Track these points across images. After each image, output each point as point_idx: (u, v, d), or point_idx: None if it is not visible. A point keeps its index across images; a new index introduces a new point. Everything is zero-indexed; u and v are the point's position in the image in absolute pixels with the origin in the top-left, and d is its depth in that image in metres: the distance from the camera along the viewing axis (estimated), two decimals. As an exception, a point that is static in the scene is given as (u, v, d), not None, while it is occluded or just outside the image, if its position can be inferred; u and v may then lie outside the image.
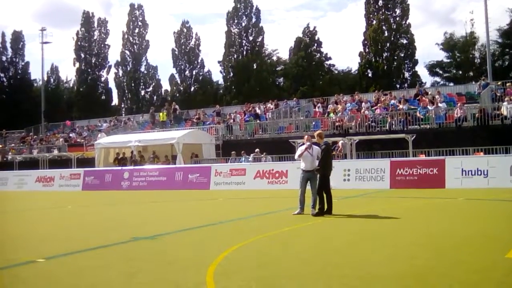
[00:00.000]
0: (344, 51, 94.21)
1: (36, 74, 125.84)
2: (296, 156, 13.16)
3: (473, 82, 40.76)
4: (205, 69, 61.40)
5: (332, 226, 11.28)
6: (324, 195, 12.70)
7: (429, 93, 30.89)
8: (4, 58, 64.37)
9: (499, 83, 31.37)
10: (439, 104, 27.36)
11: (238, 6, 56.26)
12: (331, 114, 30.61)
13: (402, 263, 7.20)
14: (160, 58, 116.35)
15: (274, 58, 62.13)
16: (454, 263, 7.07)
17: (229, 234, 10.59)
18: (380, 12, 50.20)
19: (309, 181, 12.80)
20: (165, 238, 10.19)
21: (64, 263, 8.00)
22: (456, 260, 7.29)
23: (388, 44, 50.01)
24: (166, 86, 63.48)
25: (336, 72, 60.71)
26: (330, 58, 59.54)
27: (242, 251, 8.54)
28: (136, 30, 61.75)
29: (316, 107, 33.45)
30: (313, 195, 12.72)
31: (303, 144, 13.36)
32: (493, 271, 6.60)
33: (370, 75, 50.81)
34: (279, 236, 10.14)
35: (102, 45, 63.07)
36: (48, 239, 10.61)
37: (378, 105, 29.87)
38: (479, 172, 19.50)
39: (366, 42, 50.50)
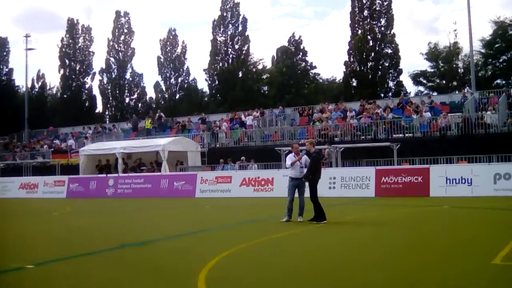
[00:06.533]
0: (329, 60, 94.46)
1: (20, 80, 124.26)
2: (287, 165, 13.22)
3: (457, 92, 41.23)
4: (191, 77, 61.33)
5: (320, 234, 11.35)
6: (312, 203, 12.70)
7: (414, 102, 31.14)
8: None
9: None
10: (423, 113, 27.62)
11: (225, 14, 56.31)
12: (317, 123, 30.75)
13: (391, 269, 7.30)
14: (146, 65, 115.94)
15: (260, 66, 62.23)
16: (441, 269, 7.18)
17: (218, 241, 10.60)
18: (365, 22, 50.61)
19: (297, 189, 12.88)
20: (153, 245, 10.19)
21: (52, 269, 7.97)
22: (443, 266, 7.40)
23: (372, 54, 50.33)
24: (151, 93, 63.25)
25: (321, 81, 61.02)
26: (315, 67, 59.76)
27: (232, 258, 8.57)
28: (122, 38, 61.45)
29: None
30: (301, 203, 12.78)
31: (290, 152, 13.44)
32: (480, 276, 6.75)
33: (354, 84, 51.07)
34: (268, 243, 10.19)
35: (87, 52, 62.67)
36: (36, 246, 10.55)
37: (363, 113, 30.08)
38: (463, 181, 19.72)
39: (351, 51, 50.81)
